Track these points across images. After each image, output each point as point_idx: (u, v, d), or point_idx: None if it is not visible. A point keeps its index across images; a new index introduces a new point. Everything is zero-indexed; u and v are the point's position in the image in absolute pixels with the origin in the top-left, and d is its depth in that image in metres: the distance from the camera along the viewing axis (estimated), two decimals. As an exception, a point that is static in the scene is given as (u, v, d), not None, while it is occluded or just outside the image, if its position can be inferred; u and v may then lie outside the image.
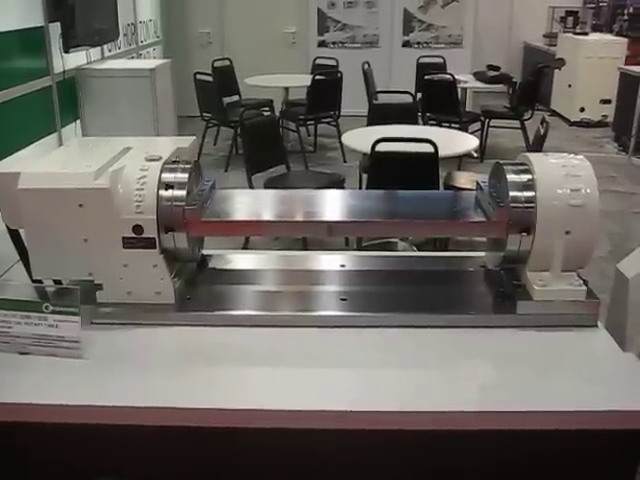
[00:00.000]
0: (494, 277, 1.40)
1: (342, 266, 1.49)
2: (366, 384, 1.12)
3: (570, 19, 9.33)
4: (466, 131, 5.63)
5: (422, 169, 3.52)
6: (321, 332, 1.26)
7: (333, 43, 8.79)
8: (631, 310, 1.25)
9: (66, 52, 4.68)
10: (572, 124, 8.11)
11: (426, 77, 6.31)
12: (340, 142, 5.17)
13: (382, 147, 3.53)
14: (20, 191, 1.21)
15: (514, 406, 1.04)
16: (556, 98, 8.68)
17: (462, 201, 1.47)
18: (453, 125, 5.96)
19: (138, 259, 1.24)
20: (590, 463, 1.07)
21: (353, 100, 6.76)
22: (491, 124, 6.62)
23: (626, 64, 7.34)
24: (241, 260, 1.56)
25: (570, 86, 8.15)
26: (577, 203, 1.23)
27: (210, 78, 6.28)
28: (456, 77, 6.22)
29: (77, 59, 5.01)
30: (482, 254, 1.49)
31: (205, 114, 6.48)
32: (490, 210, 1.31)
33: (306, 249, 3.90)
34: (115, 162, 1.28)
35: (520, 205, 1.25)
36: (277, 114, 6.50)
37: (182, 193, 1.26)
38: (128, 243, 1.23)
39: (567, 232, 1.23)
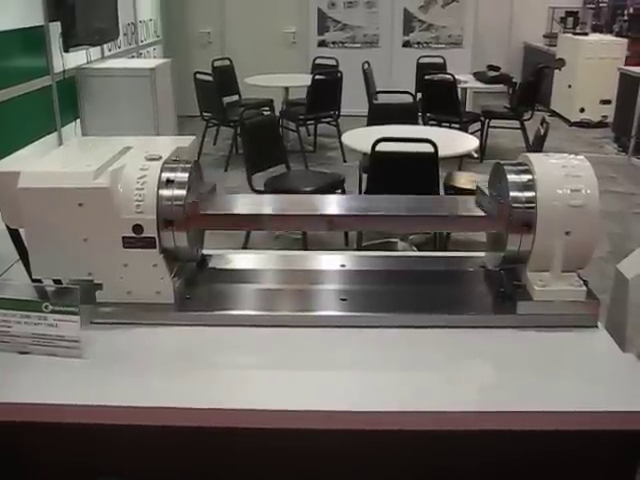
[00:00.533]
0: (494, 277, 1.40)
1: (342, 266, 1.49)
2: (366, 384, 1.12)
3: (570, 19, 9.33)
4: (466, 131, 5.63)
5: (422, 169, 3.52)
6: (321, 332, 1.25)
7: (333, 43, 8.79)
8: (631, 311, 1.25)
9: (66, 51, 4.68)
10: (572, 124, 8.12)
11: (426, 77, 6.31)
12: (340, 142, 5.17)
13: (382, 147, 3.53)
14: (20, 190, 1.21)
15: (514, 406, 1.04)
16: (556, 98, 8.69)
17: (463, 202, 1.47)
18: (453, 125, 5.96)
19: (138, 259, 1.24)
20: (590, 464, 1.07)
21: (353, 100, 6.77)
22: (491, 124, 6.62)
23: (626, 64, 7.35)
24: (241, 260, 1.56)
25: (570, 86, 8.16)
26: (577, 203, 1.22)
27: (210, 78, 6.29)
28: (456, 77, 6.22)
29: (77, 58, 5.01)
30: (482, 254, 1.49)
31: (205, 114, 6.48)
32: (490, 208, 1.31)
33: (306, 249, 3.90)
34: (115, 161, 1.28)
35: (520, 205, 1.25)
36: (277, 114, 6.50)
37: (182, 192, 1.25)
38: (128, 243, 1.23)
39: (567, 232, 1.23)
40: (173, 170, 1.28)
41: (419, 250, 4.05)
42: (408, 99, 5.44)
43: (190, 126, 6.67)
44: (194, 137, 1.51)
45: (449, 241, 4.19)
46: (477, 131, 6.38)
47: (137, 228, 1.22)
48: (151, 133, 4.90)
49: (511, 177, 1.28)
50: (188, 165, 1.31)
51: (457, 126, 5.90)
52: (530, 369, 1.16)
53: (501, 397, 1.08)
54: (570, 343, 1.24)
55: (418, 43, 8.79)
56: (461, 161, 5.82)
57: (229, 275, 1.47)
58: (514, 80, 7.09)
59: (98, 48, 5.48)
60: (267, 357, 1.19)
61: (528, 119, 6.53)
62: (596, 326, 1.27)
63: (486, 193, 1.35)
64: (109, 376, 1.12)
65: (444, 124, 6.07)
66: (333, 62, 7.22)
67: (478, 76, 6.99)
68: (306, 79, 6.60)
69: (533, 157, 1.31)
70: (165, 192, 1.24)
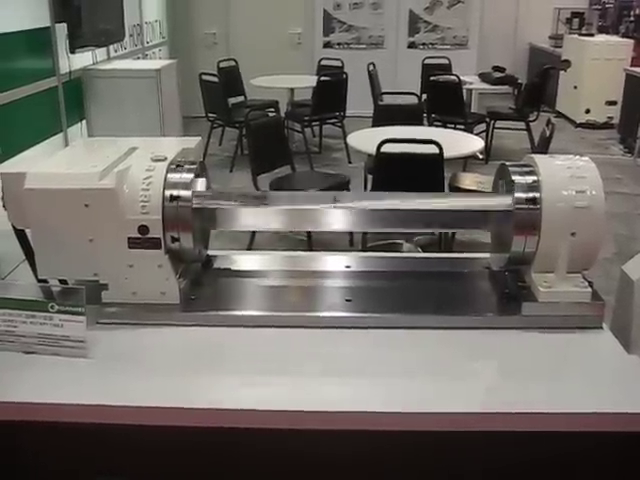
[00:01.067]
0: (499, 278, 1.40)
1: (347, 267, 1.49)
2: (371, 385, 1.12)
3: (576, 20, 9.30)
4: (471, 132, 5.63)
5: (427, 170, 3.52)
6: (325, 333, 1.26)
7: (338, 44, 8.80)
8: (636, 312, 1.25)
9: (72, 53, 4.70)
10: (578, 126, 8.10)
11: (431, 78, 6.32)
12: (345, 143, 5.18)
13: (387, 148, 3.53)
14: (26, 191, 1.21)
15: (519, 407, 1.04)
16: (562, 100, 8.67)
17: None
18: (458, 126, 5.96)
19: (143, 259, 1.25)
20: (595, 465, 1.06)
21: (358, 101, 6.77)
22: (496, 125, 6.62)
23: (632, 66, 7.33)
24: (246, 260, 1.56)
25: (576, 87, 8.14)
26: (582, 205, 1.22)
27: (215, 79, 6.30)
28: (461, 78, 6.23)
29: (83, 60, 5.03)
30: (487, 255, 1.49)
31: (210, 115, 6.49)
32: None
33: (311, 250, 3.90)
34: (121, 162, 1.29)
35: (525, 206, 1.25)
36: (282, 115, 6.50)
37: (188, 193, 1.26)
38: (133, 243, 1.24)
39: (572, 234, 1.23)
40: (178, 171, 1.29)
41: (424, 251, 4.05)
42: (413, 100, 5.45)
43: (195, 127, 6.69)
44: (199, 138, 1.51)
45: (454, 242, 4.19)
46: (482, 132, 6.38)
47: (142, 229, 1.23)
48: (156, 134, 4.92)
49: (516, 178, 1.28)
50: (193, 166, 1.31)
51: (462, 127, 5.91)
52: (535, 370, 1.16)
53: (506, 398, 1.07)
54: (575, 344, 1.24)
55: (423, 44, 8.79)
56: (466, 162, 5.82)
57: (234, 276, 1.47)
58: (519, 81, 7.08)
59: (104, 49, 5.50)
60: (272, 358, 1.20)
61: (533, 120, 6.52)
62: (601, 327, 1.27)
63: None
64: (114, 376, 1.13)
65: (449, 125, 6.07)
66: (338, 63, 7.22)
67: (483, 77, 6.99)
68: (311, 80, 6.61)
69: (538, 158, 1.31)
70: (171, 193, 1.25)
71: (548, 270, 1.26)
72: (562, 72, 8.03)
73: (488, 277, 1.45)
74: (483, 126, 6.57)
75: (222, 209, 1.33)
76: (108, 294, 1.27)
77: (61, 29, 4.57)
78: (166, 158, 1.30)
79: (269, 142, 4.34)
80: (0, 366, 1.14)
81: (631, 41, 8.01)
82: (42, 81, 4.42)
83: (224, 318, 1.29)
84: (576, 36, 8.62)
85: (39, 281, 1.29)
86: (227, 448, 1.05)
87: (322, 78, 6.42)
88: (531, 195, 1.25)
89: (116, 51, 5.86)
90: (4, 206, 1.28)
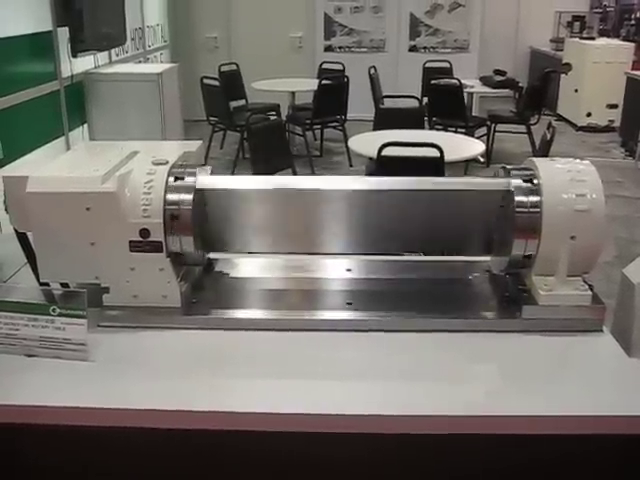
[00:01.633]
0: (499, 282, 1.40)
1: (348, 270, 1.49)
2: (371, 388, 1.12)
3: (577, 24, 9.33)
4: (472, 136, 5.63)
5: (428, 174, 3.50)
6: (326, 336, 1.26)
7: (339, 48, 8.81)
8: (637, 315, 1.25)
9: (74, 56, 4.71)
10: (579, 129, 8.10)
11: (432, 82, 6.33)
12: (346, 146, 5.19)
13: (388, 151, 3.53)
14: (28, 194, 1.22)
15: (519, 410, 1.04)
16: (563, 103, 8.68)
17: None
18: (459, 130, 5.97)
19: (145, 262, 1.25)
20: (595, 468, 1.06)
21: (359, 104, 6.78)
22: (497, 129, 6.62)
23: (633, 69, 7.34)
24: (247, 264, 1.56)
25: (577, 91, 8.15)
26: (582, 208, 1.23)
27: (217, 82, 6.31)
28: (462, 82, 6.23)
29: (85, 63, 5.04)
30: (487, 259, 1.49)
31: (212, 118, 6.50)
32: None
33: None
34: (122, 166, 1.29)
35: (525, 210, 1.25)
36: (283, 118, 6.52)
37: (189, 197, 1.26)
38: (135, 247, 1.24)
39: (572, 237, 1.23)
40: (180, 174, 1.29)
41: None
42: (414, 104, 5.45)
43: (197, 131, 6.70)
44: (201, 141, 1.52)
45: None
46: (483, 136, 6.38)
47: (144, 232, 1.23)
48: (158, 138, 4.92)
49: (516, 182, 1.28)
50: (195, 169, 1.32)
51: (463, 131, 5.92)
52: (535, 373, 1.16)
53: (506, 401, 1.07)
54: (575, 348, 1.24)
55: (424, 48, 8.79)
56: (467, 166, 5.82)
57: (235, 279, 1.47)
58: (520, 85, 7.09)
59: (106, 53, 5.51)
60: (272, 361, 1.20)
61: (534, 124, 6.52)
62: (602, 331, 1.27)
63: None
64: (115, 379, 1.13)
65: (450, 129, 6.08)
66: (339, 67, 7.24)
67: (484, 80, 6.99)
68: (312, 84, 6.62)
69: (538, 162, 1.31)
70: (172, 196, 1.25)
71: (548, 273, 1.26)
72: (563, 75, 8.04)
73: (489, 280, 1.45)
74: (484, 129, 6.57)
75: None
76: (109, 297, 1.28)
77: (63, 33, 4.58)
78: (167, 162, 1.30)
79: (270, 145, 4.35)
80: (1, 369, 1.14)
81: (632, 44, 8.01)
82: (44, 85, 4.43)
83: (225, 321, 1.29)
84: (577, 39, 8.63)
85: (41, 284, 1.30)
86: (227, 451, 1.05)
87: (323, 82, 6.42)
88: (531, 198, 1.25)
89: (118, 55, 5.88)
90: (6, 209, 1.29)
